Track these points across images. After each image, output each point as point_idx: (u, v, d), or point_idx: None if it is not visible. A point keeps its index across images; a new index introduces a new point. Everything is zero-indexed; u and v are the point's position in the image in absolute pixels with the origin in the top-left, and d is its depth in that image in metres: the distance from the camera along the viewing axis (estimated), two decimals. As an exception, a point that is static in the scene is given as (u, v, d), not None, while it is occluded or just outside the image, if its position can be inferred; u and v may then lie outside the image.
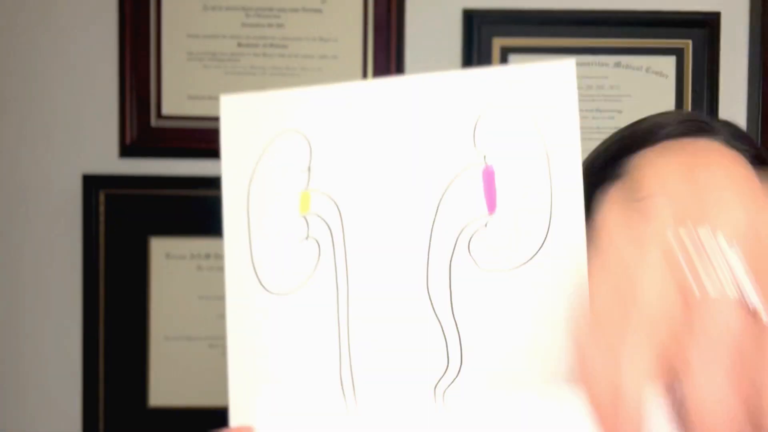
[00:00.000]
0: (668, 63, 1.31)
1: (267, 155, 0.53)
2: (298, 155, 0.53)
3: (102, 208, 1.29)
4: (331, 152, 0.52)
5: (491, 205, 0.49)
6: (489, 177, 0.49)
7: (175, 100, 1.30)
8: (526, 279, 0.49)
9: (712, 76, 1.31)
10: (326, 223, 0.52)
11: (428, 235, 0.50)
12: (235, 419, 0.52)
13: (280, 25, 1.30)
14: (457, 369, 0.50)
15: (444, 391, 0.50)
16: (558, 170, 0.48)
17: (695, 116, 0.68)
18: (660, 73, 1.31)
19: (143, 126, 1.29)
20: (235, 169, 0.54)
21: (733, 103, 1.33)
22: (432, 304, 0.50)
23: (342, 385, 0.51)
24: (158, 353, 1.30)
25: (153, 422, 1.30)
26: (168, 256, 1.30)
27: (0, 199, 1.30)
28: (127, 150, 1.29)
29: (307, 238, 0.52)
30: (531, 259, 0.48)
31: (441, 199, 0.50)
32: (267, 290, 0.52)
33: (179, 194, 1.29)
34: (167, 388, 1.31)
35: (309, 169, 0.52)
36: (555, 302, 0.48)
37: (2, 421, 1.30)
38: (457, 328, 0.50)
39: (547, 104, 0.49)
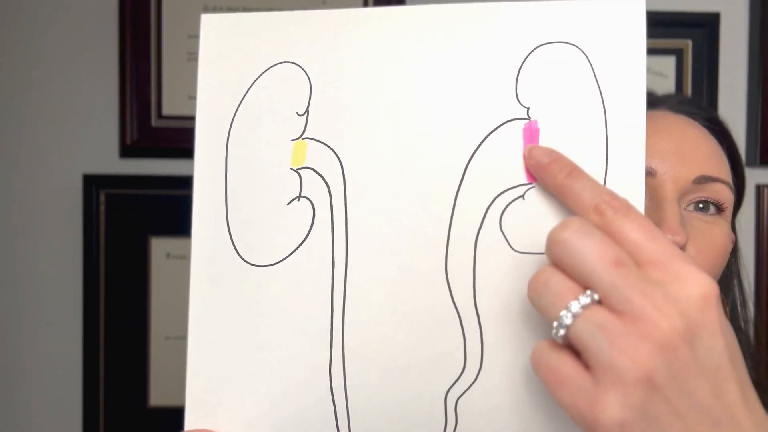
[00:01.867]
0: (668, 63, 1.31)
1: (254, 92, 0.42)
2: (294, 94, 0.41)
3: (102, 208, 1.29)
4: (336, 93, 0.41)
5: None
6: (532, 135, 0.39)
7: (176, 101, 1.30)
8: None
9: (712, 76, 1.31)
10: (324, 179, 0.41)
11: (451, 203, 0.39)
12: (192, 420, 0.42)
13: (280, 26, 1.30)
14: (476, 373, 0.39)
15: (457, 400, 0.39)
16: (617, 130, 0.38)
17: None
18: (660, 74, 1.31)
19: (144, 126, 1.29)
20: (213, 108, 0.42)
21: (733, 103, 1.33)
22: (450, 289, 0.39)
23: (331, 384, 0.40)
24: (158, 353, 1.30)
25: (153, 422, 1.30)
26: (168, 256, 1.30)
27: (0, 199, 1.30)
28: (127, 150, 1.29)
29: (298, 197, 0.41)
30: None
31: (470, 160, 0.39)
32: (245, 260, 0.41)
33: (179, 194, 1.29)
34: (167, 388, 1.31)
35: (307, 112, 0.41)
36: None
37: (2, 421, 1.30)
38: (479, 321, 0.39)
39: (608, 49, 0.38)
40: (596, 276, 0.34)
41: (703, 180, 0.60)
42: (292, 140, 0.41)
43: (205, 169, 0.42)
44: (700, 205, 0.60)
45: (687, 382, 0.33)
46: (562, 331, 0.34)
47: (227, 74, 0.42)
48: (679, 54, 1.32)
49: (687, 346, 0.33)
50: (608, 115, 0.38)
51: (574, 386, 0.33)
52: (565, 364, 0.34)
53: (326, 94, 0.41)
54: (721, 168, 0.62)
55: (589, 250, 0.34)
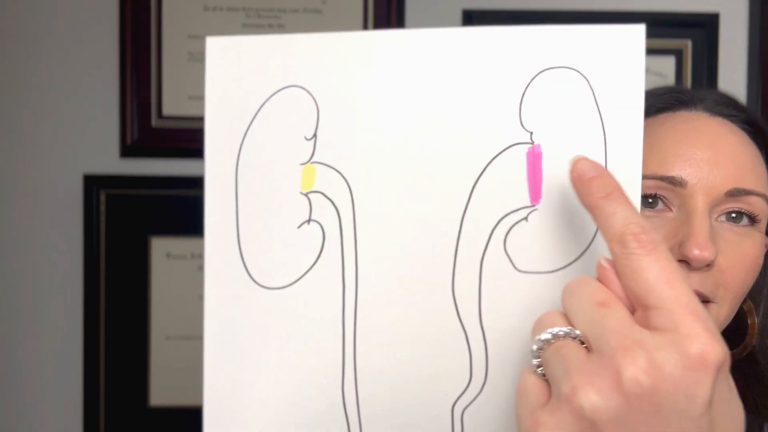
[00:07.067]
0: (667, 63, 1.32)
1: (262, 116, 0.42)
2: (301, 118, 0.42)
3: (102, 208, 1.29)
4: (344, 117, 0.41)
5: (535, 194, 0.40)
6: (535, 159, 0.40)
7: (176, 101, 1.30)
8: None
9: (711, 76, 1.32)
10: (333, 203, 0.42)
11: (458, 226, 0.40)
12: None
13: (280, 26, 1.31)
14: (480, 385, 0.41)
15: (463, 411, 0.41)
16: (616, 154, 0.39)
17: (675, 89, 0.65)
18: (659, 74, 1.31)
19: (144, 126, 1.30)
20: (222, 133, 0.42)
21: (732, 104, 1.33)
22: (457, 307, 0.41)
23: (344, 400, 0.42)
24: (158, 353, 1.30)
25: (153, 422, 1.30)
26: (168, 256, 1.30)
27: (1, 199, 1.30)
28: (127, 150, 1.30)
29: (308, 221, 0.42)
30: (575, 260, 0.40)
31: (475, 184, 0.40)
32: (257, 283, 0.42)
33: (179, 194, 1.29)
34: (167, 388, 1.31)
35: (315, 136, 0.42)
36: None
37: (3, 421, 1.30)
38: (484, 337, 0.41)
39: (609, 75, 0.39)
40: (579, 313, 0.35)
41: (736, 193, 0.57)
42: (301, 164, 0.42)
43: (215, 193, 0.43)
44: (733, 215, 0.57)
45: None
46: (533, 356, 0.36)
47: (235, 98, 0.42)
48: (678, 54, 1.32)
49: (648, 400, 0.31)
50: (607, 141, 0.39)
51: (528, 399, 0.35)
52: (529, 378, 0.36)
53: (333, 119, 0.41)
54: (758, 179, 0.58)
55: (581, 290, 0.35)
